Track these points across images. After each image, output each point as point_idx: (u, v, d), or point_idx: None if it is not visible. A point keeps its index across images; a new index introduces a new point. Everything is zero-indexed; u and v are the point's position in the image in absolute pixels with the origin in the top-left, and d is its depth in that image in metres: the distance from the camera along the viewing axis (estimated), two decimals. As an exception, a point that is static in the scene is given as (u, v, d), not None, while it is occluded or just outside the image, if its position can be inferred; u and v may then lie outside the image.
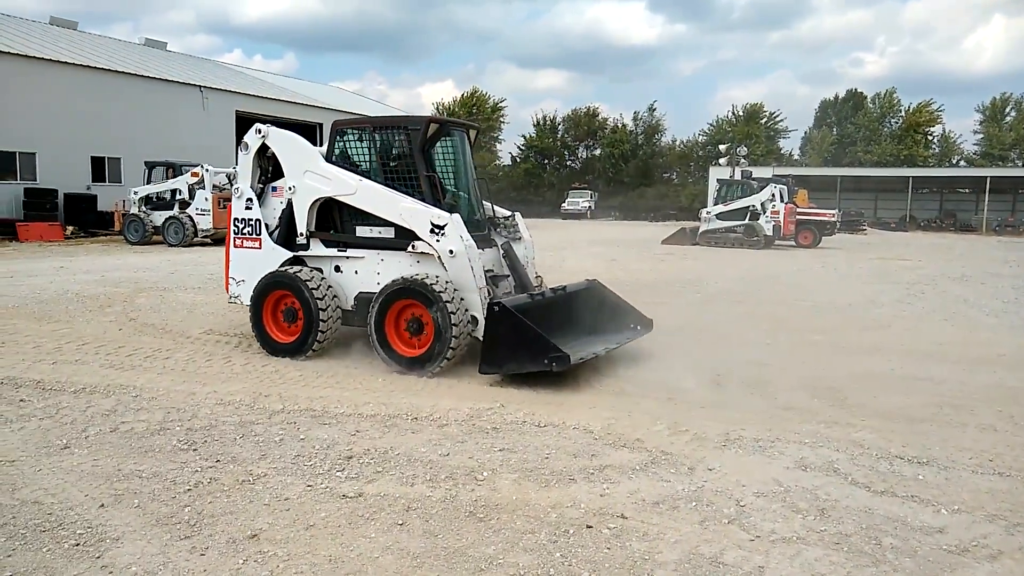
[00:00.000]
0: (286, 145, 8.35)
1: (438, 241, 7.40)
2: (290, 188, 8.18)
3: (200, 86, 34.88)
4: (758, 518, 4.29)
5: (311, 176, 8.06)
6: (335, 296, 7.98)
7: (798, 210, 29.86)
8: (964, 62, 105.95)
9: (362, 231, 8.08)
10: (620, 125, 69.66)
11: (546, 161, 71.39)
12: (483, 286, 7.45)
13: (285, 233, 8.35)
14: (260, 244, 8.40)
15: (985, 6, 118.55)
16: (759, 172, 38.02)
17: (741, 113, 70.07)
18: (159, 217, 23.59)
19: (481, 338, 7.25)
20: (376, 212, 7.82)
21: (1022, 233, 49.70)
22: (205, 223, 23.10)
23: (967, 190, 60.65)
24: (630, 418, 6.09)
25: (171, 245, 22.89)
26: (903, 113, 69.19)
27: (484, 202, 8.80)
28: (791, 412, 6.47)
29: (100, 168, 30.00)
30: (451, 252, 7.35)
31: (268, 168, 8.59)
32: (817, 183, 53.56)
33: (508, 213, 8.96)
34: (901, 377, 7.84)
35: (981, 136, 67.29)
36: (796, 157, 72.85)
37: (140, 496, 4.42)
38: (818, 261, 23.15)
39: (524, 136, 71.51)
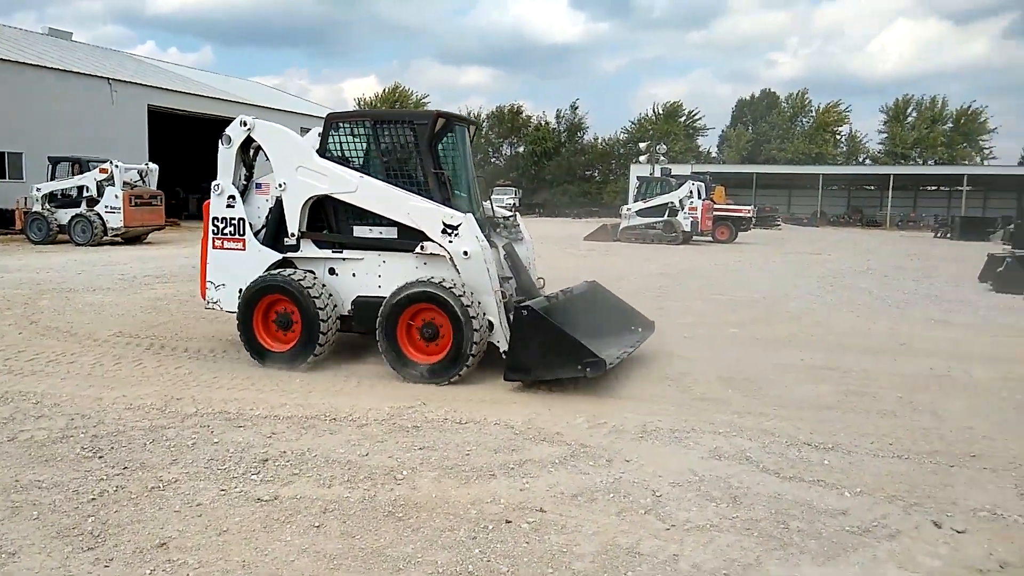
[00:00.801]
0: (275, 139, 7.79)
1: (451, 242, 7.06)
2: (279, 185, 7.63)
3: (108, 78, 33.39)
4: (673, 507, 4.39)
5: (304, 172, 7.53)
6: (333, 301, 7.53)
7: (715, 206, 30.77)
8: (870, 64, 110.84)
9: (360, 231, 7.58)
10: (544, 123, 70.29)
11: (470, 158, 71.26)
12: (498, 288, 7.17)
13: (273, 233, 7.81)
14: (244, 245, 7.80)
15: (889, 11, 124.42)
16: (678, 169, 39.09)
17: (661, 111, 71.68)
18: (64, 215, 22.46)
19: (496, 343, 7.03)
20: (379, 211, 7.39)
21: (923, 228, 52.61)
22: (115, 221, 22.12)
23: (872, 187, 63.71)
24: (551, 412, 6.15)
25: (78, 244, 21.85)
26: (814, 113, 72.11)
27: (483, 202, 8.47)
28: (707, 403, 6.65)
29: (-1, 163, 28.43)
30: (465, 253, 7.01)
31: (252, 163, 8.06)
32: (733, 180, 55.33)
33: (508, 213, 8.70)
34: (810, 367, 8.16)
35: (885, 136, 70.72)
36: (714, 155, 75.01)
37: (39, 507, 4.21)
38: (734, 256, 23.88)
39: (448, 133, 71.30)
